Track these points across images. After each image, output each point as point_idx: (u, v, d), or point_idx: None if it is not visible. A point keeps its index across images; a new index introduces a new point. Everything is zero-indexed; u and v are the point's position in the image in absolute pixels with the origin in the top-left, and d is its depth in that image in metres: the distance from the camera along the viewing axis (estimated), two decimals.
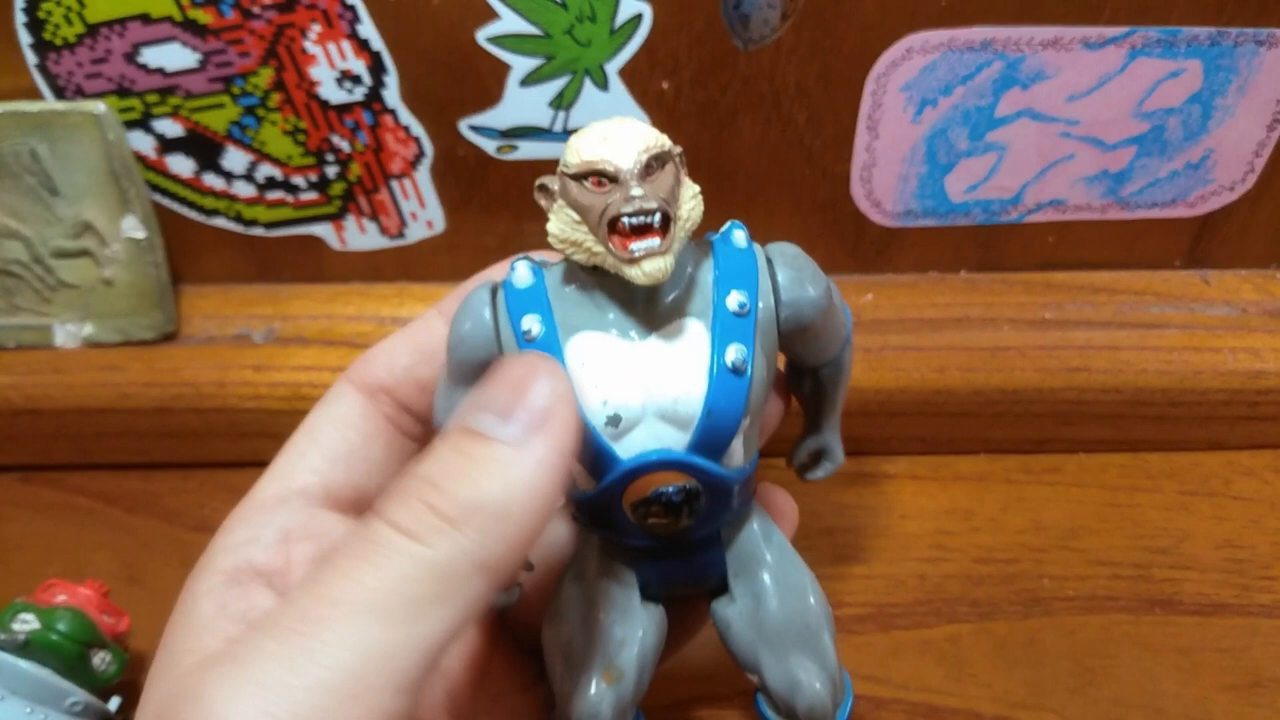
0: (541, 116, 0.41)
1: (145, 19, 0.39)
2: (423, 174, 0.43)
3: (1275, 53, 0.40)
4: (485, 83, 0.40)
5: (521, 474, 0.21)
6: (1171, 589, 0.42)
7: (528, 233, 0.45)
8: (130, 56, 0.40)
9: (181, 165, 0.43)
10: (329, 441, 0.29)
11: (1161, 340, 0.45)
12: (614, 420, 0.25)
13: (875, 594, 0.42)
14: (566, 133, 0.42)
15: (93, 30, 0.39)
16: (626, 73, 0.40)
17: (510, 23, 0.39)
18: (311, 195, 0.44)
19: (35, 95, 0.41)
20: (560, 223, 0.26)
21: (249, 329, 0.46)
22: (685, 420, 0.25)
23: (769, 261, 0.27)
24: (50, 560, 0.44)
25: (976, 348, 0.44)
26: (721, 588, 0.30)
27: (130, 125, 0.42)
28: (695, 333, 0.26)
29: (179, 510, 0.46)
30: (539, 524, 0.22)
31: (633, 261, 0.24)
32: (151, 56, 0.40)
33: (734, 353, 0.25)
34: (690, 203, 0.26)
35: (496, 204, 0.44)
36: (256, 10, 0.39)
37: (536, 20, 0.39)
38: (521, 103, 0.41)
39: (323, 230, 0.45)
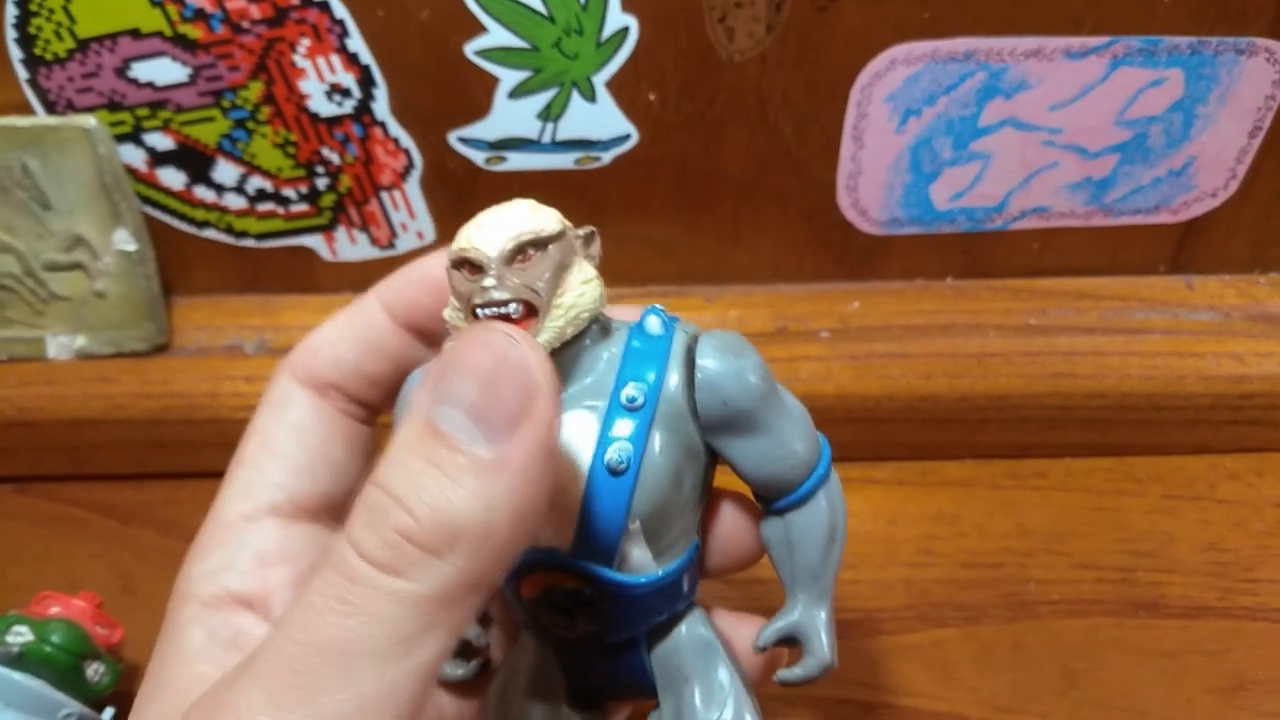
0: (530, 128, 0.42)
1: (135, 34, 0.39)
2: (412, 185, 0.44)
3: (1255, 61, 0.41)
4: (474, 95, 0.41)
5: (505, 488, 0.19)
6: (1156, 592, 0.42)
7: None
8: (121, 71, 0.40)
9: (172, 178, 0.43)
10: (288, 451, 0.27)
11: (1145, 345, 0.45)
12: None
13: (862, 599, 0.42)
14: (555, 144, 0.42)
15: (83, 45, 0.40)
16: (614, 85, 0.40)
17: (498, 36, 0.39)
18: (302, 207, 0.44)
19: (26, 110, 0.41)
20: (450, 308, 0.25)
21: (240, 340, 0.46)
22: (567, 520, 0.24)
23: (692, 347, 0.25)
24: (44, 572, 0.44)
25: (962, 354, 0.45)
26: (655, 696, 0.27)
27: (121, 139, 0.42)
28: (585, 427, 0.24)
29: (172, 521, 0.46)
30: (530, 528, 0.20)
31: None
32: (142, 71, 0.40)
33: (614, 451, 0.23)
34: (579, 289, 0.24)
35: None
36: (246, 25, 0.39)
37: (524, 34, 0.39)
38: (510, 115, 0.41)
39: (313, 241, 0.46)
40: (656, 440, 0.24)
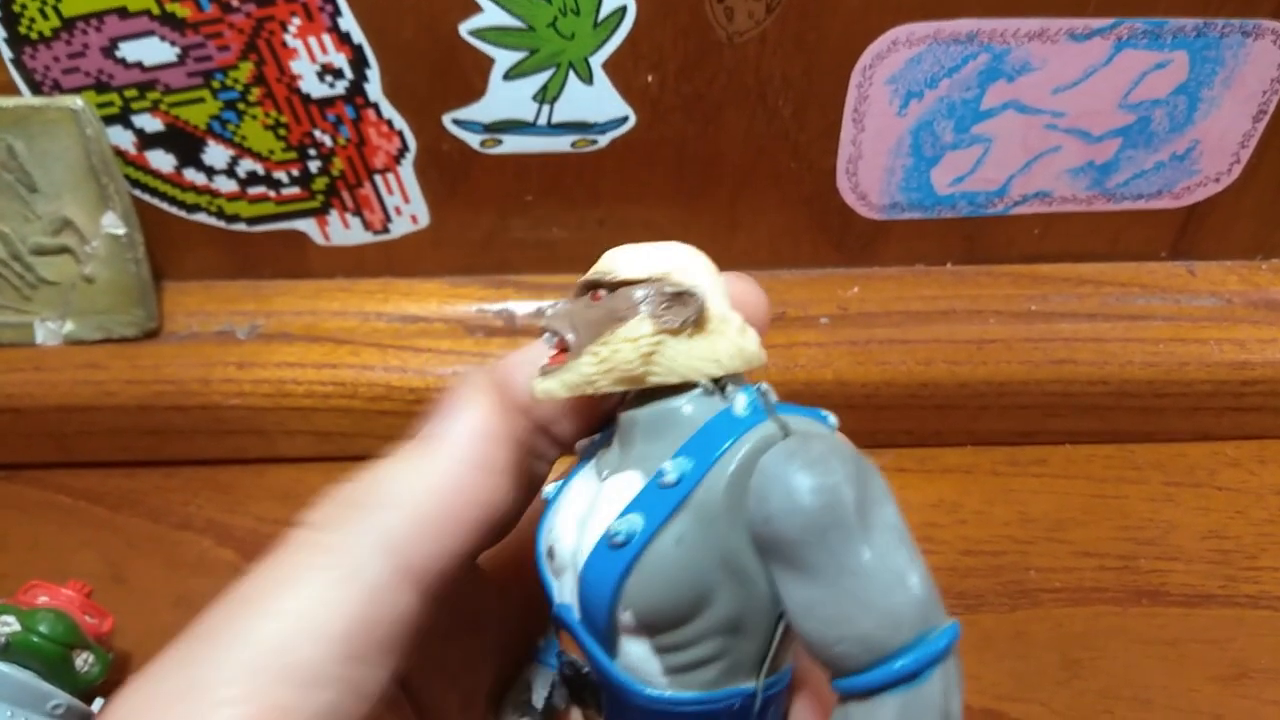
0: (526, 110, 0.41)
1: (123, 13, 0.39)
2: (406, 168, 0.43)
3: (1261, 44, 0.40)
4: (468, 76, 0.40)
5: (425, 460, 0.21)
6: (1158, 580, 0.42)
7: (513, 227, 0.45)
8: (108, 51, 0.40)
9: (162, 161, 0.43)
10: None
11: (1147, 332, 0.45)
12: (550, 553, 0.23)
13: None
14: (551, 126, 0.42)
15: (69, 24, 0.39)
16: (610, 66, 0.40)
17: (493, 15, 0.38)
18: (294, 190, 0.44)
19: (12, 91, 0.40)
20: None
21: (232, 325, 0.46)
22: (574, 578, 0.22)
23: (772, 442, 0.21)
24: (32, 560, 0.44)
25: (962, 340, 0.44)
26: None
27: (109, 120, 0.41)
28: (623, 490, 0.22)
29: (163, 508, 0.46)
30: (465, 512, 0.21)
31: (541, 372, 0.23)
32: (129, 51, 0.40)
33: (623, 523, 0.21)
34: (615, 345, 0.22)
35: (481, 198, 0.44)
36: (235, 3, 0.38)
37: (520, 13, 0.38)
38: (505, 96, 0.41)
39: (306, 225, 0.45)
40: (676, 529, 0.21)
